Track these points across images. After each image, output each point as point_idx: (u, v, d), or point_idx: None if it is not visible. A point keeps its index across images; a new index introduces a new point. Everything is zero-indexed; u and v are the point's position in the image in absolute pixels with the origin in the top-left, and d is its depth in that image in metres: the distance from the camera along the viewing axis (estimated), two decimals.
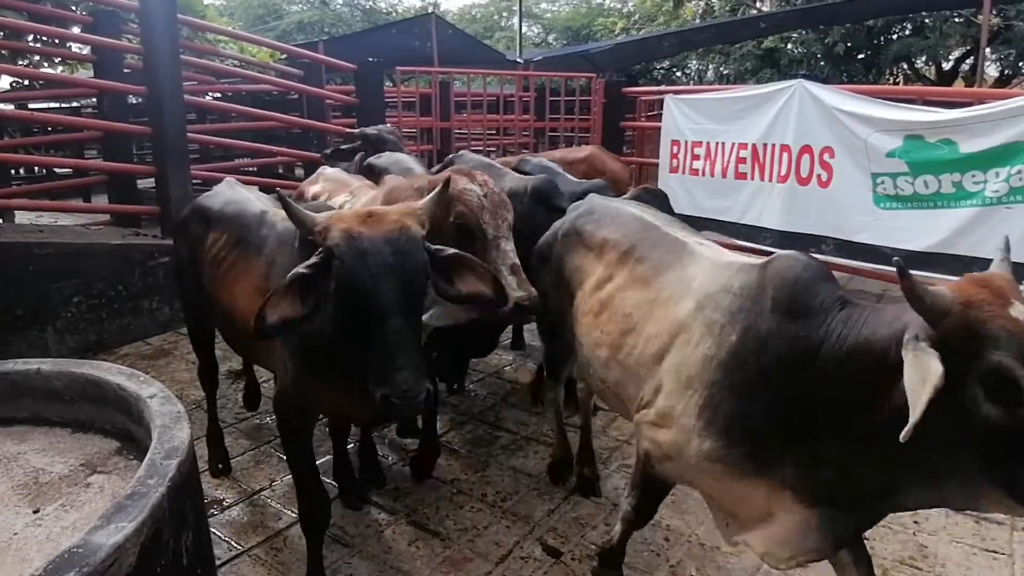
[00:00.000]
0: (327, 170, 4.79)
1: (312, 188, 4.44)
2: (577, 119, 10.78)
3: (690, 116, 7.80)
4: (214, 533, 3.30)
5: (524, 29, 32.14)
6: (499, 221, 3.11)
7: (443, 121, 10.03)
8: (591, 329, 2.85)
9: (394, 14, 35.01)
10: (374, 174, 4.50)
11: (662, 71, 25.87)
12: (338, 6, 34.92)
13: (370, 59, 8.68)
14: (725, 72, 22.23)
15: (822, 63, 19.37)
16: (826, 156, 6.45)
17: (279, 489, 3.82)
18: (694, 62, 24.97)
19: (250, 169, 10.02)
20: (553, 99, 10.92)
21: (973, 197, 5.59)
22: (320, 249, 2.32)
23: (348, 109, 9.86)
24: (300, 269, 2.29)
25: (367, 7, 35.39)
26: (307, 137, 9.38)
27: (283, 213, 3.03)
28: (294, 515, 3.53)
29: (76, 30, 7.44)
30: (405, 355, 2.19)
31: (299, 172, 11.12)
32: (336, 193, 4.13)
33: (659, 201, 4.34)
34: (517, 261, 3.09)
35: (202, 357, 4.07)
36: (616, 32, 26.20)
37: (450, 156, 5.22)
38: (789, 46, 20.10)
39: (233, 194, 3.54)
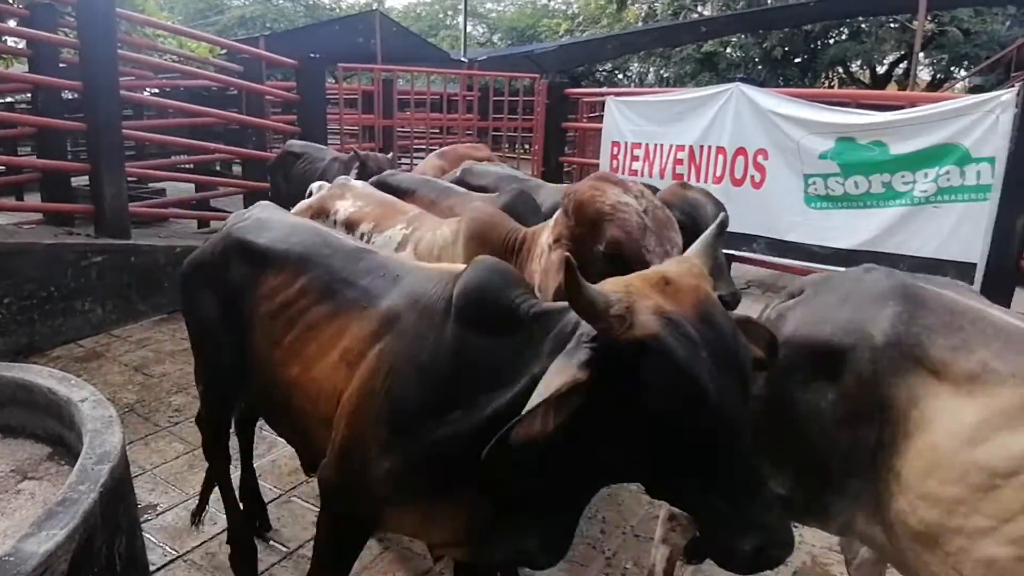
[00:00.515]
0: (354, 183, 3.83)
1: (340, 203, 3.57)
2: (520, 119, 10.86)
3: (630, 118, 7.91)
4: (148, 538, 3.26)
5: (469, 28, 32.20)
6: (667, 247, 2.29)
7: (385, 119, 10.02)
8: (988, 509, 1.66)
9: (337, 10, 34.79)
10: (394, 194, 3.83)
11: (604, 73, 26.24)
12: (280, 1, 34.50)
13: (312, 55, 8.60)
14: (666, 75, 22.61)
15: (760, 67, 19.86)
16: (760, 158, 6.61)
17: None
18: (636, 65, 25.38)
19: (187, 166, 9.88)
20: (497, 99, 11.00)
21: (902, 197, 5.79)
22: (589, 337, 1.57)
23: (288, 105, 9.78)
24: (579, 373, 1.51)
25: (310, 3, 35.07)
26: (246, 134, 9.28)
27: (400, 260, 2.37)
28: None
29: (12, 23, 7.24)
30: (766, 485, 1.59)
31: (236, 169, 10.98)
32: (384, 220, 3.37)
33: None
34: None
35: (212, 427, 3.04)
36: (560, 33, 26.47)
37: (462, 168, 4.66)
38: (728, 50, 20.57)
39: (288, 222, 2.68)
